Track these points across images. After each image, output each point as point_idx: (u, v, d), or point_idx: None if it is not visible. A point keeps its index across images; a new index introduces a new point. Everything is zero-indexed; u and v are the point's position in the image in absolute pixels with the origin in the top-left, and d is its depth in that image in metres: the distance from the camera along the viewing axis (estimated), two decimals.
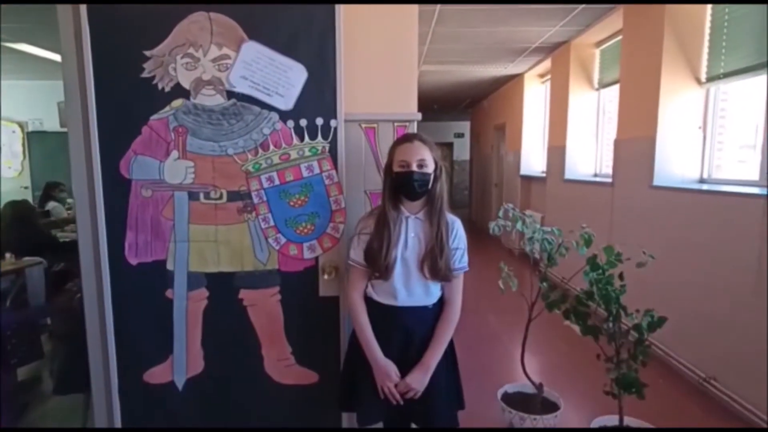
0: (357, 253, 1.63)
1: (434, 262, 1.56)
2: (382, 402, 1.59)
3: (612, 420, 2.06)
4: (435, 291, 1.64)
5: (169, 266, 1.83)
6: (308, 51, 1.76)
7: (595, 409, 2.29)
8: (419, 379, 1.56)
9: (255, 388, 1.90)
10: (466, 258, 1.65)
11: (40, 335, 2.74)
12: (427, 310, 1.63)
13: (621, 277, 1.98)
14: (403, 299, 1.60)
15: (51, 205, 5.38)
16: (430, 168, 1.57)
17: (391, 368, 1.56)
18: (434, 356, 1.59)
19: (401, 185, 1.57)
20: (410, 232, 1.60)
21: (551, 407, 2.27)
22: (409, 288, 1.60)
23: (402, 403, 1.56)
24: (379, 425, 1.68)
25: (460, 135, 13.07)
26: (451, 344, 1.69)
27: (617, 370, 1.92)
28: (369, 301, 1.65)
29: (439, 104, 9.65)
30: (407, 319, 1.61)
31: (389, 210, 1.58)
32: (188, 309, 1.85)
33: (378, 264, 1.57)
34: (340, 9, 1.74)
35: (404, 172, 1.55)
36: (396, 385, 1.56)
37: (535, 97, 6.62)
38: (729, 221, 2.65)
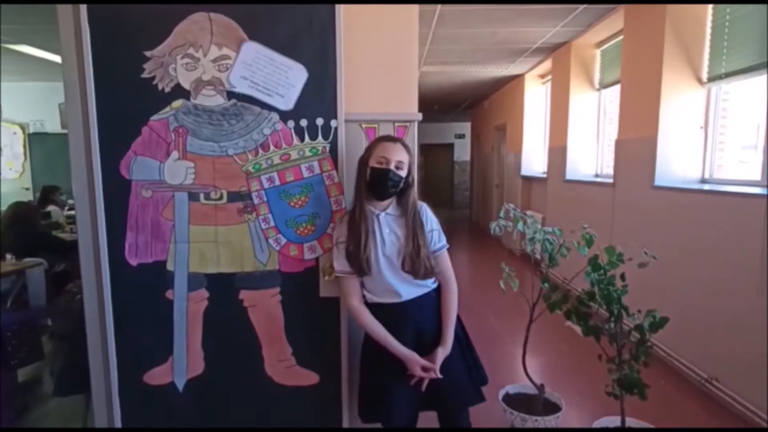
0: (340, 263, 1.65)
1: (413, 264, 1.59)
2: (408, 401, 1.61)
3: (614, 421, 2.05)
4: None
5: (170, 267, 1.83)
6: (308, 51, 1.76)
7: (597, 410, 2.28)
8: (443, 355, 1.61)
9: (255, 389, 1.89)
10: (443, 237, 1.70)
11: (41, 336, 2.73)
12: (429, 297, 1.67)
13: (622, 277, 1.97)
14: (406, 293, 1.62)
15: (50, 208, 5.39)
16: (404, 172, 1.61)
17: (416, 356, 1.59)
18: (449, 334, 1.65)
19: (375, 181, 1.59)
20: (384, 229, 1.62)
21: (553, 408, 2.26)
22: (407, 280, 1.62)
23: (441, 375, 1.58)
24: (377, 425, 1.69)
25: (461, 136, 13.07)
26: (460, 323, 1.73)
27: (619, 371, 1.91)
28: (372, 306, 1.65)
29: (439, 105, 9.65)
30: (413, 312, 1.63)
31: (363, 205, 1.61)
32: (188, 310, 1.85)
33: (359, 263, 1.59)
34: (340, 9, 1.74)
35: (381, 169, 1.57)
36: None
37: (536, 97, 6.61)
38: (731, 221, 2.64)
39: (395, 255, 1.61)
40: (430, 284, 1.67)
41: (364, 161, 1.63)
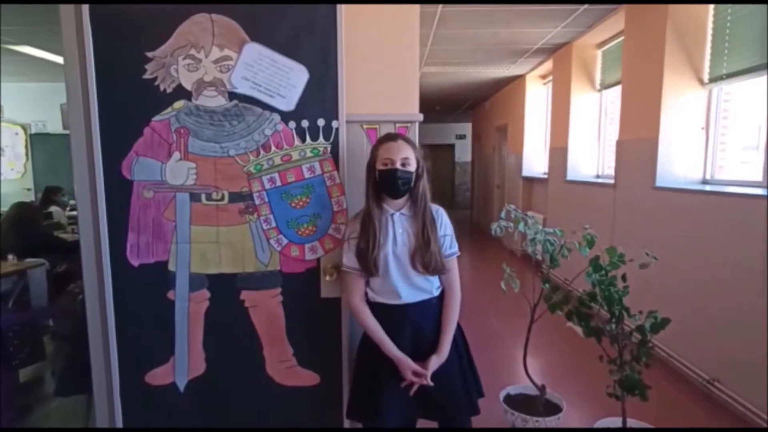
0: (349, 258, 1.64)
1: (423, 258, 1.58)
2: (401, 404, 1.60)
3: (615, 422, 2.05)
4: (436, 281, 1.66)
5: (171, 267, 1.83)
6: (310, 52, 1.76)
7: (598, 411, 2.28)
8: (437, 363, 1.60)
9: (256, 389, 1.89)
10: (455, 244, 1.69)
11: (42, 337, 2.74)
12: (431, 303, 1.65)
13: (624, 278, 1.97)
14: (407, 296, 1.62)
15: (52, 209, 5.40)
16: (413, 167, 1.60)
17: (409, 360, 1.59)
18: (447, 341, 1.64)
19: (385, 183, 1.59)
20: (398, 228, 1.61)
21: (554, 409, 2.26)
22: (410, 283, 1.62)
23: (432, 384, 1.58)
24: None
25: (462, 136, 13.08)
26: (461, 332, 1.72)
27: (620, 372, 1.91)
28: (373, 305, 1.65)
29: (441, 106, 9.65)
30: (413, 315, 1.63)
31: (373, 208, 1.61)
32: (190, 310, 1.85)
33: (368, 263, 1.58)
34: (342, 10, 1.74)
35: (388, 170, 1.57)
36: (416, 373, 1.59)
37: (537, 98, 6.61)
38: (732, 222, 2.64)
39: (406, 254, 1.60)
40: (434, 291, 1.66)
41: (371, 165, 1.63)
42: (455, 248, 1.68)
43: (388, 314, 1.62)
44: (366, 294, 1.67)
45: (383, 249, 1.59)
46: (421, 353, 1.61)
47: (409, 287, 1.62)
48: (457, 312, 1.68)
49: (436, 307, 1.66)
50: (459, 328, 1.71)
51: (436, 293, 1.67)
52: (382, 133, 1.89)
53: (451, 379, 1.63)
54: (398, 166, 1.57)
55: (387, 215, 1.62)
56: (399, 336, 1.61)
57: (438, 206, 1.69)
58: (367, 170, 1.66)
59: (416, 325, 1.63)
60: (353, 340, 1.89)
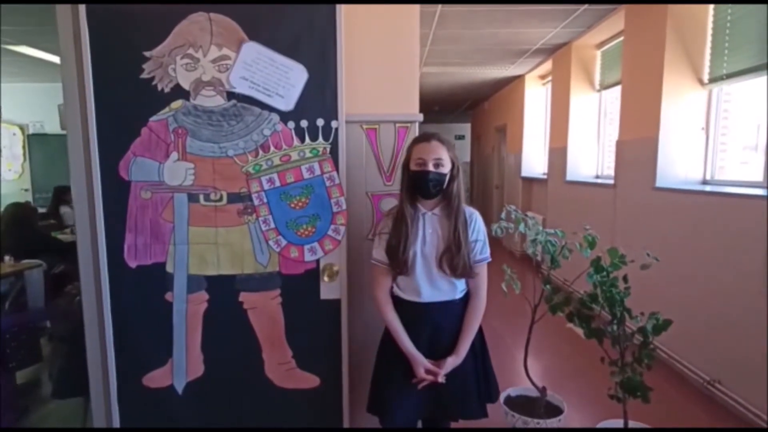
0: (378, 252, 1.64)
1: (452, 260, 1.57)
2: (411, 404, 1.60)
3: (616, 424, 2.04)
4: (460, 285, 1.65)
5: (169, 269, 1.81)
6: (309, 51, 1.74)
7: (600, 413, 2.27)
8: (452, 364, 1.60)
9: (256, 392, 1.88)
10: (487, 249, 1.66)
11: (40, 338, 2.72)
12: (454, 304, 1.64)
13: (625, 279, 1.96)
14: (428, 295, 1.61)
15: (63, 209, 5.37)
16: (446, 167, 1.58)
17: (423, 358, 1.60)
18: (465, 345, 1.63)
19: (417, 184, 1.58)
20: (428, 228, 1.61)
21: (555, 411, 2.25)
22: (433, 283, 1.61)
23: (444, 381, 1.58)
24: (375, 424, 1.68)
25: (461, 137, 13.06)
26: (481, 336, 1.72)
27: (622, 374, 1.90)
28: (396, 299, 1.65)
29: (440, 106, 9.65)
30: (434, 314, 1.62)
31: (406, 207, 1.60)
32: (188, 312, 1.83)
33: (397, 260, 1.58)
34: (341, 10, 1.73)
35: (420, 171, 1.56)
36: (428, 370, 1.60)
37: (536, 98, 6.61)
38: (733, 223, 2.64)
39: (433, 254, 1.59)
40: (457, 294, 1.65)
41: (405, 165, 1.62)
42: (486, 254, 1.65)
43: (410, 311, 1.63)
44: (392, 288, 1.67)
45: (412, 248, 1.59)
46: (438, 353, 1.61)
47: (431, 287, 1.61)
48: (479, 317, 1.66)
49: (458, 309, 1.65)
50: (480, 331, 1.70)
51: (459, 296, 1.65)
52: (382, 134, 1.89)
53: (465, 380, 1.63)
54: (431, 167, 1.55)
55: (419, 214, 1.61)
56: (418, 333, 1.61)
57: (474, 210, 1.67)
58: (402, 169, 1.66)
59: (436, 324, 1.62)
60: (353, 342, 1.88)
